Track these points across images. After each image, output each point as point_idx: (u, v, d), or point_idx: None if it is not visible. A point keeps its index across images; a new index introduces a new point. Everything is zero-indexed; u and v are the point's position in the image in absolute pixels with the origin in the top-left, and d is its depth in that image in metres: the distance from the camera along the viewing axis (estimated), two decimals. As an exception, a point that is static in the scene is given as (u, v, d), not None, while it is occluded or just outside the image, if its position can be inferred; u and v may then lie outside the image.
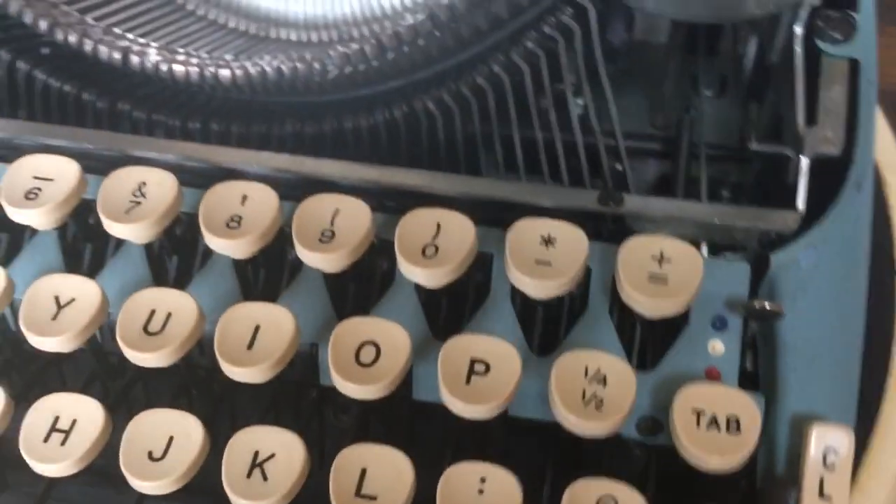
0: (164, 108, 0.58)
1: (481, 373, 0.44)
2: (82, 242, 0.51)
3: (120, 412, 0.47)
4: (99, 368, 0.49)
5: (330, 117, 0.57)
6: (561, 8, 0.54)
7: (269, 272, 0.50)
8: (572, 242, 0.46)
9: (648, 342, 0.49)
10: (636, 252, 0.46)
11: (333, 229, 0.47)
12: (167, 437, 0.43)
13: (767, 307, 0.47)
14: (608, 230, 0.51)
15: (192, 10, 0.68)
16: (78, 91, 0.58)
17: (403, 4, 0.68)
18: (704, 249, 0.51)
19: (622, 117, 0.59)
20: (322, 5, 0.69)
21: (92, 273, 0.50)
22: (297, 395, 0.51)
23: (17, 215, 0.46)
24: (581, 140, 0.56)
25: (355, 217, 0.47)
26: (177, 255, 0.51)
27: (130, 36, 0.58)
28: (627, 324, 0.49)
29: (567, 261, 0.46)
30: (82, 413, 0.45)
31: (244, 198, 0.47)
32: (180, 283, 0.51)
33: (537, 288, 0.45)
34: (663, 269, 0.45)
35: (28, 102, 0.58)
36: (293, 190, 0.51)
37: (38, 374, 0.49)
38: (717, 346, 0.48)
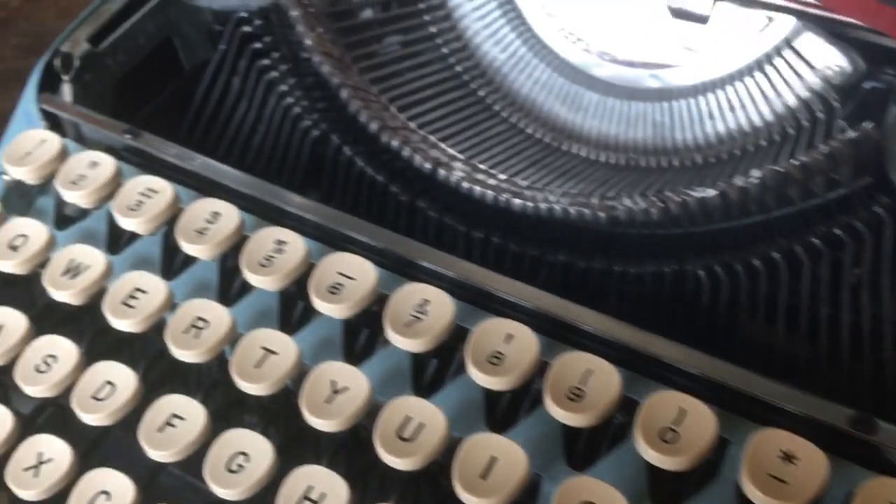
0: (454, 212, 0.64)
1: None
2: (363, 328, 0.58)
3: (358, 487, 0.54)
4: (352, 441, 0.56)
5: (600, 256, 0.61)
6: (856, 211, 0.54)
7: (513, 401, 0.55)
8: (813, 467, 0.46)
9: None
10: (870, 499, 0.45)
11: (584, 388, 0.50)
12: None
13: None
14: (856, 451, 0.50)
15: (497, 111, 0.74)
16: (387, 182, 0.65)
17: (695, 140, 0.70)
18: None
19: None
20: (616, 127, 0.72)
21: (363, 358, 0.57)
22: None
23: (321, 307, 0.54)
24: (848, 329, 0.55)
25: (607, 382, 0.50)
26: (437, 359, 0.57)
27: (442, 145, 0.65)
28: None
29: (802, 485, 0.46)
30: (330, 487, 0.51)
31: (509, 336, 0.52)
32: (437, 383, 0.57)
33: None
34: (899, 522, 0.45)
35: (344, 184, 0.66)
36: (549, 324, 0.55)
37: (297, 435, 0.56)
38: None
